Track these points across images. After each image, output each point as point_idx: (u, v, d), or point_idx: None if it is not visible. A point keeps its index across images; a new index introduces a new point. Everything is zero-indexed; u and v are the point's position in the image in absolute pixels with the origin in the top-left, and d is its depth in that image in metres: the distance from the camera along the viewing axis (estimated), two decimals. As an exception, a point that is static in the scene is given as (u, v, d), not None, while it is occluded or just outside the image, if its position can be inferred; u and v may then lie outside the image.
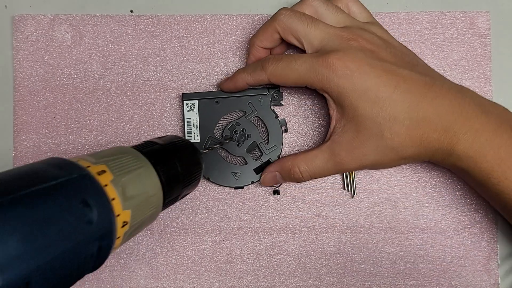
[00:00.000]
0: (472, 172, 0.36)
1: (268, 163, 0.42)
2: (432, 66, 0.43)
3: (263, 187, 0.43)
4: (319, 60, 0.36)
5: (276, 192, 0.43)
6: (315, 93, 0.43)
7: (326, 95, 0.38)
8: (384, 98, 0.35)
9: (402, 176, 0.43)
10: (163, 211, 0.43)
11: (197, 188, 0.43)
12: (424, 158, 0.38)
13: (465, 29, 0.44)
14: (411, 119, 0.35)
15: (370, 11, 0.42)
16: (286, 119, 0.43)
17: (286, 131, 0.43)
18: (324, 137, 0.43)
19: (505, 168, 0.35)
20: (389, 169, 0.43)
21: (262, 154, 0.42)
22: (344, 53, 0.36)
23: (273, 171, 0.41)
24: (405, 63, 0.37)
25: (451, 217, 0.43)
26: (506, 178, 0.35)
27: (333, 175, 0.43)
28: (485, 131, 0.35)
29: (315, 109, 0.44)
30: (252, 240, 0.43)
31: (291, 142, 0.43)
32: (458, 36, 0.44)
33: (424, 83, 0.36)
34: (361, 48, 0.36)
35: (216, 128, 0.42)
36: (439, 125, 0.35)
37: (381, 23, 0.43)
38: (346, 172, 0.41)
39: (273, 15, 0.39)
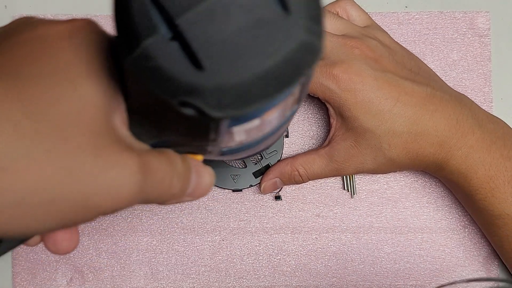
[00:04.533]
0: (462, 187, 0.38)
1: (267, 167, 0.42)
2: (432, 66, 0.43)
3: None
4: (323, 71, 0.36)
5: (278, 197, 0.43)
6: (316, 98, 0.43)
7: (327, 105, 0.38)
8: (385, 112, 0.36)
9: (402, 176, 0.43)
10: (163, 211, 0.43)
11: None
12: (418, 168, 0.39)
13: (465, 29, 0.44)
14: (410, 133, 0.36)
15: (369, 12, 0.42)
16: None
17: (287, 136, 0.43)
18: (324, 139, 0.43)
19: (493, 186, 0.36)
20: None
21: (262, 158, 0.42)
22: (349, 65, 0.36)
23: (273, 177, 0.41)
24: (407, 72, 0.38)
25: (451, 217, 0.43)
26: (493, 196, 0.36)
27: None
28: (479, 148, 0.36)
29: (315, 111, 0.44)
30: (252, 240, 0.43)
31: (290, 143, 0.43)
32: (458, 36, 0.44)
33: (425, 95, 0.36)
34: (365, 58, 0.36)
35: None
36: (436, 139, 0.36)
37: (380, 23, 0.43)
38: (343, 176, 0.42)
39: None
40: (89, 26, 0.22)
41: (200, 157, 0.26)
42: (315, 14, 0.19)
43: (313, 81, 0.36)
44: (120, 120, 0.22)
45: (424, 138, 0.36)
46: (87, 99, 0.20)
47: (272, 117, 0.22)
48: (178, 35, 0.18)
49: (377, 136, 0.36)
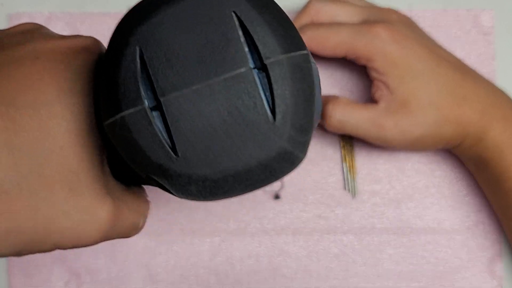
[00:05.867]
0: (493, 163, 0.36)
1: None
2: (435, 65, 0.43)
3: (263, 188, 0.42)
4: (363, 27, 0.36)
5: (277, 197, 0.42)
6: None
7: (369, 64, 0.36)
8: (430, 70, 0.35)
9: (404, 177, 0.42)
10: (161, 212, 0.42)
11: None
12: (455, 142, 0.37)
13: (468, 27, 0.43)
14: (455, 95, 0.35)
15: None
16: None
17: None
18: (326, 138, 0.43)
19: None
20: (390, 169, 0.42)
21: None
22: (390, 24, 0.36)
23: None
24: (438, 45, 0.38)
25: (454, 218, 0.42)
26: None
27: (333, 174, 0.42)
28: None
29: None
30: (252, 242, 0.42)
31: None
32: (462, 34, 0.43)
33: (460, 64, 0.37)
34: (402, 21, 0.37)
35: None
36: (478, 106, 0.36)
37: (383, 21, 0.43)
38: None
39: (302, 8, 0.38)
40: (92, 47, 0.22)
41: None
42: (303, 124, 0.19)
43: (354, 36, 0.35)
44: (103, 157, 0.22)
45: (468, 103, 0.36)
46: (71, 136, 0.20)
47: None
48: (160, 114, 0.18)
49: (425, 95, 0.35)
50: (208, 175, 0.18)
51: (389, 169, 0.43)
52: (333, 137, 0.43)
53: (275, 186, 0.42)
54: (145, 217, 0.25)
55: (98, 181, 0.21)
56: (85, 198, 0.20)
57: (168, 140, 0.18)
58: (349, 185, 0.42)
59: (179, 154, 0.18)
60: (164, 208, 0.42)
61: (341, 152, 0.42)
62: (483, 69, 0.43)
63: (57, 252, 0.43)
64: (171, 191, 0.18)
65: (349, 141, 0.42)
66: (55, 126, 0.20)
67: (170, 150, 0.18)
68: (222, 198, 0.19)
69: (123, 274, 0.42)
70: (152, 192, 0.42)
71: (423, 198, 0.42)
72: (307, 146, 0.19)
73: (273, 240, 0.42)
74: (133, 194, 0.23)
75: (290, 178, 0.42)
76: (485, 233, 0.42)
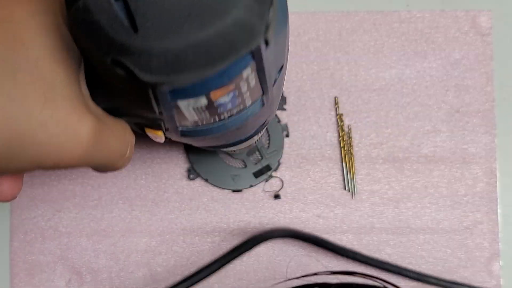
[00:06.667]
0: None
1: (268, 167, 0.41)
2: (434, 65, 0.43)
3: (263, 188, 0.43)
4: None
5: (277, 196, 0.42)
6: (315, 93, 0.43)
7: None
8: None
9: (403, 177, 0.43)
10: (162, 211, 0.42)
11: (196, 189, 0.42)
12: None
13: (466, 28, 0.43)
14: None
15: (370, 10, 0.42)
16: (287, 123, 0.43)
17: (287, 136, 0.43)
18: (326, 139, 0.43)
19: None
20: (389, 169, 0.43)
21: (262, 158, 0.42)
22: None
23: None
24: None
25: (452, 217, 0.42)
26: None
27: (333, 174, 0.43)
28: None
29: (316, 110, 0.43)
30: (252, 241, 0.42)
31: (291, 142, 0.43)
32: (460, 35, 0.43)
33: None
34: None
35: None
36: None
37: (382, 22, 0.42)
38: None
39: None
40: None
41: (159, 133, 0.26)
42: None
43: None
44: (80, 76, 0.21)
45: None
46: (46, 50, 0.20)
47: (221, 100, 0.21)
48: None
49: None
50: (168, 47, 0.18)
51: (388, 169, 0.43)
52: (333, 137, 0.43)
53: (275, 186, 0.43)
54: (132, 146, 0.23)
55: (77, 96, 0.20)
56: (62, 110, 0.19)
57: (127, 17, 0.18)
58: (349, 185, 0.42)
59: (139, 30, 0.18)
60: (165, 208, 0.43)
61: (340, 152, 0.43)
62: (481, 70, 0.43)
63: (59, 251, 0.43)
64: (135, 72, 0.18)
65: (349, 141, 0.43)
66: (29, 39, 0.19)
67: (130, 27, 0.18)
68: (189, 75, 0.19)
69: (124, 274, 0.42)
70: (153, 192, 0.42)
71: (421, 198, 0.43)
72: (265, 19, 0.19)
73: (273, 240, 0.42)
74: (116, 121, 0.22)
75: (290, 178, 0.43)
76: (483, 233, 0.42)
